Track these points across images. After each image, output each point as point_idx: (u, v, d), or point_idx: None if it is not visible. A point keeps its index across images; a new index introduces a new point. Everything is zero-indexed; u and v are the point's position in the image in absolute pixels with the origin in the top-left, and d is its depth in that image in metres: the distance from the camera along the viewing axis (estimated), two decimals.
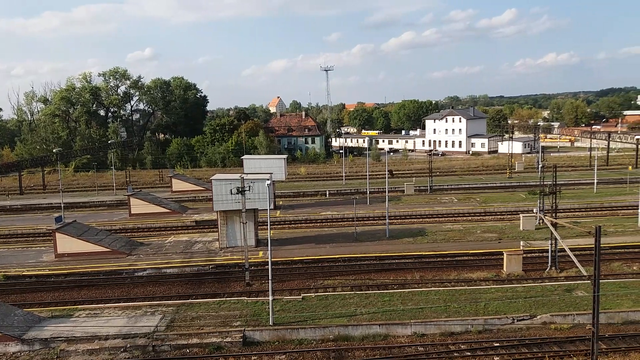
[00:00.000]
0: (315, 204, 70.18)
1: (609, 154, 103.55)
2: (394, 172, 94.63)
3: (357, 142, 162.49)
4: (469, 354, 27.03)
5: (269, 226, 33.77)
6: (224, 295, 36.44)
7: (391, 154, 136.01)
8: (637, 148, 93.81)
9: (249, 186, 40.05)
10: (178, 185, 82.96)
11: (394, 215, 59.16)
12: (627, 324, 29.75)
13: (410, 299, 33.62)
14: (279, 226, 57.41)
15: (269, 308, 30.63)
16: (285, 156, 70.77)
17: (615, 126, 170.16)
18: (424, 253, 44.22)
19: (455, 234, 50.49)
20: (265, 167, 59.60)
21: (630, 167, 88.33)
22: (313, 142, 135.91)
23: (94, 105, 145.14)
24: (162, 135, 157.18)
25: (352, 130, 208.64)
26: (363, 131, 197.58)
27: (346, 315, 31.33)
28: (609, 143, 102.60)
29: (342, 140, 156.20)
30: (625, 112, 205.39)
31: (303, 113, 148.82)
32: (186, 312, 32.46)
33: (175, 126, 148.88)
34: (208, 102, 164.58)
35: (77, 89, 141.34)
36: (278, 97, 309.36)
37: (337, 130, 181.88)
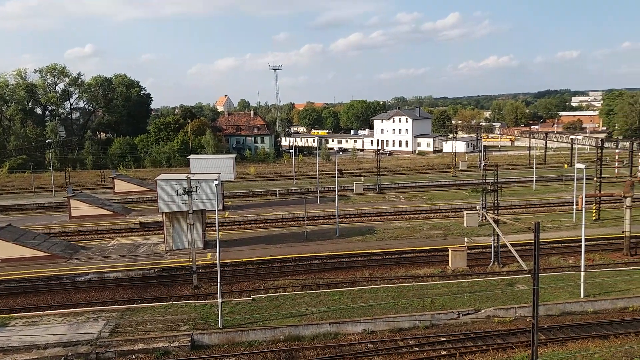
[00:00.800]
0: (265, 204, 69.68)
1: (547, 153, 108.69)
2: (343, 172, 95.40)
3: (307, 141, 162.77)
4: (417, 349, 27.57)
5: (217, 227, 33.17)
6: (171, 299, 35.50)
7: (340, 153, 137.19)
8: (571, 147, 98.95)
9: (196, 186, 39.20)
10: (121, 186, 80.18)
11: (343, 214, 59.62)
12: (564, 315, 31.29)
13: (360, 296, 33.96)
14: (227, 227, 56.56)
15: (217, 311, 30.09)
16: (233, 156, 69.78)
17: (552, 126, 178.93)
18: (373, 251, 44.81)
19: (402, 231, 51.47)
20: (213, 167, 58.51)
21: (565, 165, 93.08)
22: (262, 141, 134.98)
23: (30, 103, 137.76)
24: (104, 135, 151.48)
25: (302, 129, 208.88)
26: (313, 131, 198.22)
27: (297, 315, 31.23)
28: (546, 143, 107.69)
29: (291, 139, 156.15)
30: (561, 113, 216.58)
31: (252, 112, 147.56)
32: (131, 317, 31.36)
33: (118, 125, 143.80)
34: (152, 100, 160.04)
35: (11, 86, 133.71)
36: (226, 95, 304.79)
37: (287, 129, 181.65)
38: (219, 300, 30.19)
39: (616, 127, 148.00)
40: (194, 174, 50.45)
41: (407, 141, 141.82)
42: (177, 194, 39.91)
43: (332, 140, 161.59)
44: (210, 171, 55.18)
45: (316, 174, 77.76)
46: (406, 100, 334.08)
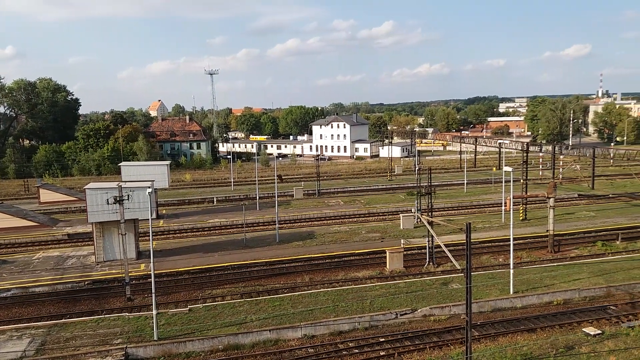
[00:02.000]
0: (202, 211, 68.14)
1: (477, 157, 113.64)
2: (283, 177, 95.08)
3: (246, 147, 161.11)
4: (356, 351, 27.83)
5: (151, 237, 32.01)
6: (103, 313, 33.86)
7: (280, 159, 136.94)
8: (499, 151, 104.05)
9: (128, 195, 37.69)
10: (47, 195, 75.77)
11: (283, 219, 59.38)
12: (495, 312, 32.69)
13: (301, 301, 33.89)
14: (162, 236, 54.78)
15: (153, 323, 29.01)
16: (168, 162, 67.73)
17: (481, 131, 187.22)
18: (313, 255, 44.89)
19: (342, 235, 51.97)
20: (146, 175, 56.55)
21: (494, 168, 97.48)
22: (199, 147, 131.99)
23: None
24: (28, 142, 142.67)
25: (240, 135, 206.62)
26: (251, 136, 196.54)
27: (236, 323, 30.69)
28: (476, 147, 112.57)
29: (229, 145, 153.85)
30: (490, 119, 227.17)
31: (187, 117, 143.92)
32: (60, 333, 29.60)
33: (43, 131, 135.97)
34: (80, 105, 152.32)
35: None
36: (159, 100, 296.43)
37: (224, 135, 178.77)
38: (154, 312, 29.12)
39: (540, 132, 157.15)
40: (125, 181, 48.60)
41: (345, 146, 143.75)
42: (108, 203, 38.26)
43: (271, 146, 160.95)
44: (143, 179, 53.29)
45: (255, 180, 77.03)
46: (344, 106, 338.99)
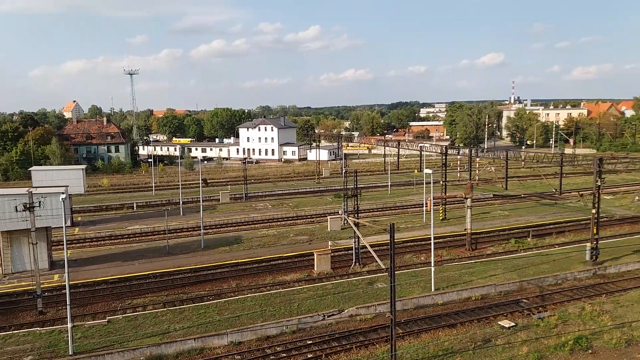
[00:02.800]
0: (121, 217, 65.05)
1: (400, 160, 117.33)
2: (208, 181, 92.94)
3: (168, 150, 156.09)
4: (284, 355, 27.65)
5: (65, 246, 30.05)
6: (11, 328, 31.30)
7: (205, 162, 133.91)
8: (421, 154, 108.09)
9: (39, 201, 35.17)
10: None
11: (209, 224, 58.02)
12: (418, 309, 33.76)
13: (227, 308, 33.23)
14: (78, 245, 51.67)
15: (67, 336, 27.20)
16: (83, 166, 64.13)
17: (404, 135, 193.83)
18: (240, 261, 44.19)
19: (270, 239, 51.62)
20: (59, 180, 53.21)
21: (416, 170, 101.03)
22: (117, 150, 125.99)
23: None
24: None
25: (162, 137, 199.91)
26: (174, 139, 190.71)
27: (159, 333, 29.51)
28: (399, 150, 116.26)
29: (150, 148, 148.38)
30: (411, 123, 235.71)
31: (105, 119, 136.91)
32: None
33: None
34: None
35: None
36: (74, 101, 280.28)
37: (145, 137, 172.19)
38: (69, 325, 27.33)
39: (457, 136, 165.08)
40: (36, 187, 45.45)
41: (273, 149, 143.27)
42: (17, 211, 35.54)
43: (196, 149, 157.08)
44: (56, 184, 50.06)
45: (178, 185, 74.74)
46: (271, 109, 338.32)
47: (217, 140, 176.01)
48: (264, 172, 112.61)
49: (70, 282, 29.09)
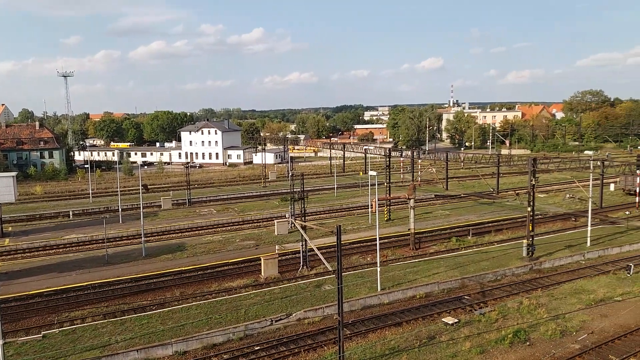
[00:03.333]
0: (56, 227, 61.86)
1: (345, 162, 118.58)
2: (149, 187, 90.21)
3: (106, 155, 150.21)
4: None
5: None
6: None
7: (145, 167, 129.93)
8: (365, 157, 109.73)
9: None
10: None
11: (150, 232, 56.26)
12: (365, 309, 34.10)
13: (171, 317, 32.29)
14: (9, 256, 48.68)
15: None
16: (14, 174, 60.28)
17: (349, 138, 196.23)
18: (183, 268, 43.07)
19: (215, 245, 50.67)
20: None
21: (361, 172, 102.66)
22: (51, 156, 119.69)
23: None
24: None
25: (100, 142, 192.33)
26: (112, 143, 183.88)
27: (99, 346, 28.24)
28: (344, 153, 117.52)
29: (87, 153, 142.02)
30: (356, 126, 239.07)
31: (37, 123, 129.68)
32: None
33: None
34: None
35: None
36: (2, 104, 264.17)
37: (81, 142, 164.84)
38: (0, 342, 25.59)
39: (400, 138, 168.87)
40: None
41: (217, 153, 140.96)
42: None
43: (136, 154, 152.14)
44: None
45: (117, 191, 72.03)
46: (215, 112, 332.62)
47: (157, 144, 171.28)
48: (208, 176, 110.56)
49: (0, 296, 27.32)
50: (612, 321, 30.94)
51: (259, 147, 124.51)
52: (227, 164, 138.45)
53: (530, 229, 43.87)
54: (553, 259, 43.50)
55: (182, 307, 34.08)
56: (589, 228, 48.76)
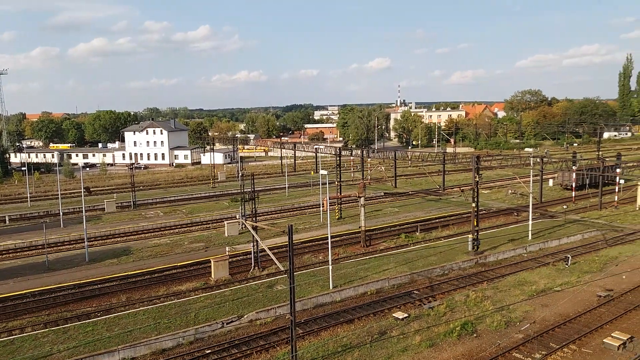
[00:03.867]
0: None
1: (296, 162, 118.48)
2: (91, 189, 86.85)
3: (45, 157, 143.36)
4: None
5: None
6: None
7: (87, 169, 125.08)
8: (316, 156, 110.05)
9: None
10: None
11: (94, 236, 54.14)
12: (317, 307, 34.18)
13: (117, 323, 31.17)
14: None
15: None
16: None
17: (299, 137, 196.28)
18: (130, 273, 41.68)
19: (162, 248, 49.36)
20: None
21: (312, 172, 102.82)
22: None
23: None
24: None
25: (38, 144, 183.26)
26: (51, 145, 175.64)
27: (40, 357, 26.93)
28: (295, 152, 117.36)
29: (24, 155, 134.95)
30: (306, 125, 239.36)
31: None
32: None
33: None
34: None
35: None
36: None
37: (17, 144, 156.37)
38: None
39: (350, 137, 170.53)
40: None
41: (163, 154, 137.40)
42: None
43: (77, 155, 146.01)
44: None
45: (58, 194, 68.82)
46: (160, 112, 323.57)
47: (100, 145, 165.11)
48: (154, 177, 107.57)
49: None
50: (552, 310, 32.44)
51: (207, 147, 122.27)
52: (174, 164, 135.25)
53: (475, 224, 45.34)
54: (497, 252, 45.14)
55: (129, 313, 32.96)
56: (530, 222, 50.94)
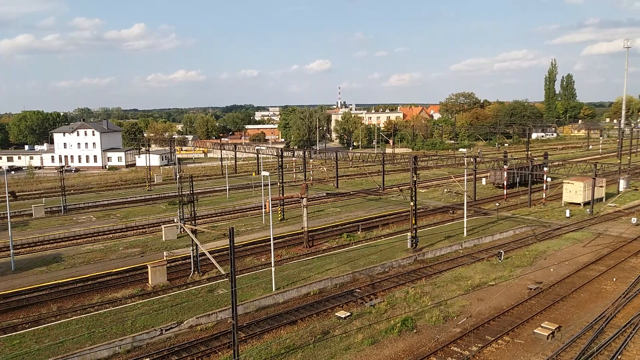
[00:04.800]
0: None
1: (237, 163, 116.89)
2: (17, 194, 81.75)
3: None
4: None
5: None
6: None
7: (12, 172, 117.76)
8: (257, 157, 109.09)
9: None
10: None
11: (20, 243, 50.96)
12: (260, 310, 33.80)
13: (47, 335, 29.43)
14: None
15: None
16: None
17: (240, 138, 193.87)
18: (61, 281, 39.49)
19: (96, 254, 47.19)
20: None
21: (254, 173, 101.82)
22: None
23: None
24: None
25: None
26: None
27: None
28: (235, 153, 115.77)
29: None
30: (247, 126, 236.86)
31: None
32: None
33: None
34: None
35: None
36: None
37: None
38: None
39: (292, 138, 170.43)
40: None
41: (95, 156, 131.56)
42: None
43: (0, 158, 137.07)
44: None
45: None
46: (92, 112, 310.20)
47: (27, 147, 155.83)
48: (86, 181, 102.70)
49: None
50: (487, 304, 33.80)
51: (143, 149, 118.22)
52: (107, 167, 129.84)
53: (414, 222, 46.50)
54: (434, 249, 46.50)
55: (61, 323, 31.20)
56: (465, 219, 52.89)
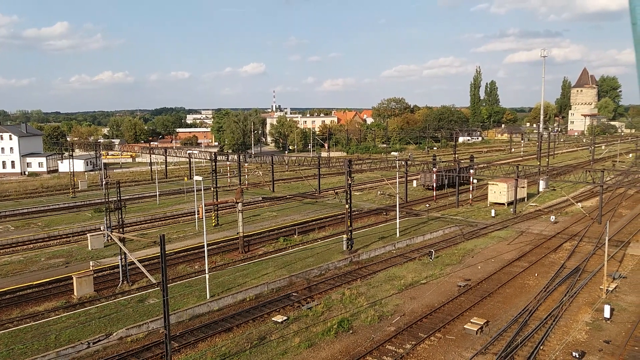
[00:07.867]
0: None
1: (167, 168, 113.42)
2: None
3: None
4: None
5: None
6: None
7: None
8: (190, 161, 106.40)
9: None
10: None
11: None
12: (194, 319, 32.87)
13: None
14: None
15: None
16: None
17: (171, 142, 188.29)
18: None
19: (14, 266, 44.08)
20: None
21: (186, 178, 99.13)
22: None
23: None
24: None
25: None
26: None
27: None
28: (166, 158, 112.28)
29: None
30: (178, 130, 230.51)
31: None
32: None
33: None
34: None
35: None
36: None
37: None
38: None
39: (226, 142, 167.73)
40: None
41: (13, 161, 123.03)
42: None
43: None
44: None
45: None
46: (9, 115, 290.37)
47: None
48: (2, 188, 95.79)
49: None
50: (420, 302, 34.80)
51: (66, 154, 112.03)
52: (27, 173, 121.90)
53: (349, 224, 47.12)
54: (369, 250, 47.34)
55: None
56: (397, 220, 54.27)
